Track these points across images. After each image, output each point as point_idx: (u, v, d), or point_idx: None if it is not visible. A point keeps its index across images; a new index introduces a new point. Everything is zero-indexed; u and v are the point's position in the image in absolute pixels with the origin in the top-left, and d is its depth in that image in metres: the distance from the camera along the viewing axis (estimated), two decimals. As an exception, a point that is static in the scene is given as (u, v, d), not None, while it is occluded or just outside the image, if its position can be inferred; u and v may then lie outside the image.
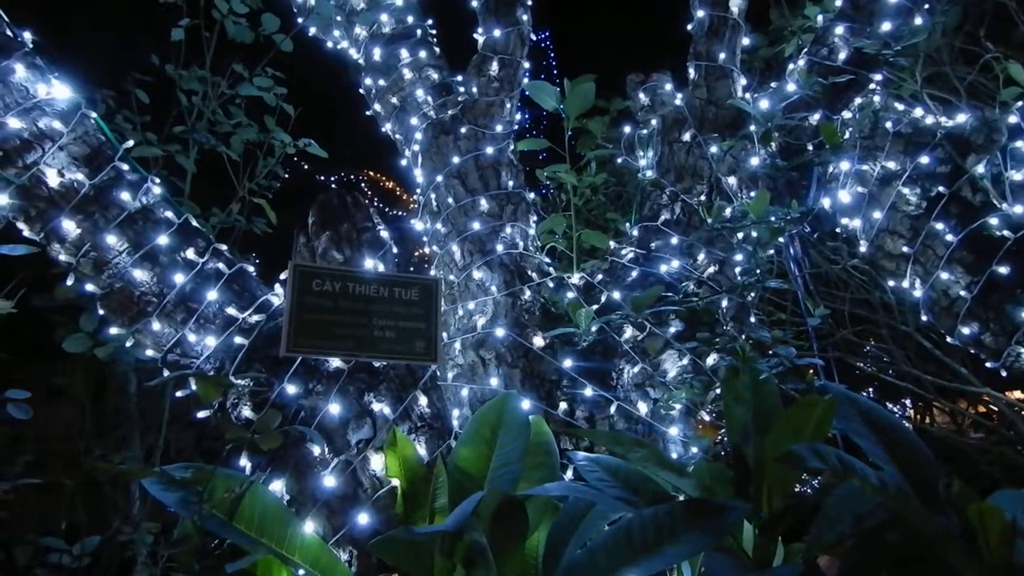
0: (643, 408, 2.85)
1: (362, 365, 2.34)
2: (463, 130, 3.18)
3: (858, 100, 2.99)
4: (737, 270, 3.04)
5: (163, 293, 2.31)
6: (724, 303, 3.01)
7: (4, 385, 2.18)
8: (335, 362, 2.34)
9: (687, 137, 3.18)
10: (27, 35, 2.37)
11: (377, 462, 2.20)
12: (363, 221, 2.48)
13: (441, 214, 3.21)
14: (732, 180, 3.09)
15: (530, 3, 3.28)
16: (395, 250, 2.67)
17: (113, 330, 2.34)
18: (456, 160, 3.17)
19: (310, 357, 2.29)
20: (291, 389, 2.26)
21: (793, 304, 3.38)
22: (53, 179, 2.25)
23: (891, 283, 3.04)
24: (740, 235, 3.01)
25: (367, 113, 3.93)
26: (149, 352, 2.35)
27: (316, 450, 2.20)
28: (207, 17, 3.03)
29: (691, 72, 3.15)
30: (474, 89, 3.21)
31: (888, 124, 2.95)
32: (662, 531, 1.87)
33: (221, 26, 3.08)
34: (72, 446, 2.82)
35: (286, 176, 3.83)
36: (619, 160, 3.59)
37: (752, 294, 3.09)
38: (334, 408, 2.23)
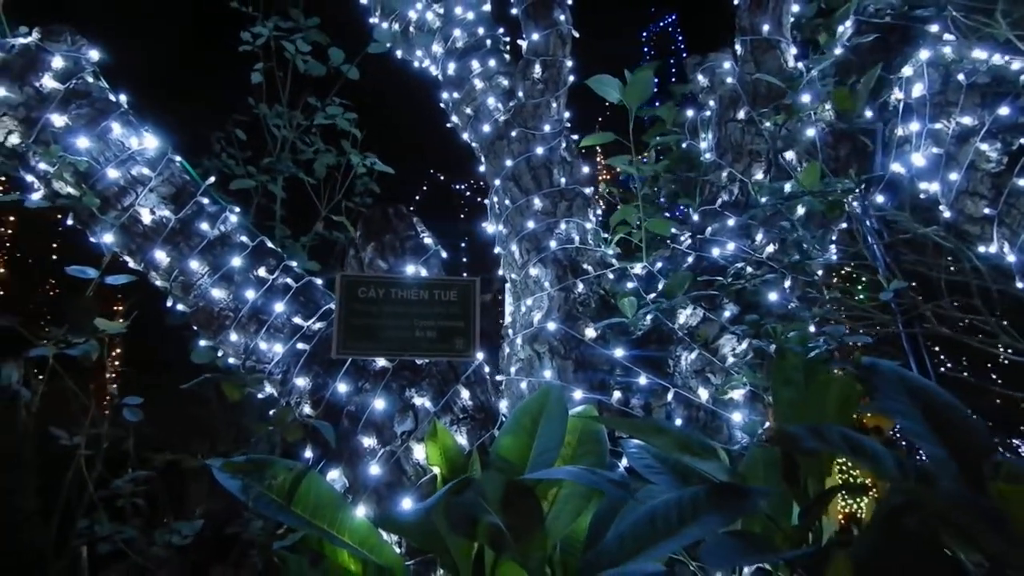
0: (704, 395, 2.85)
1: (406, 363, 2.56)
2: (513, 133, 3.32)
3: (924, 53, 2.79)
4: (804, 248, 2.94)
5: (238, 308, 2.66)
6: (787, 283, 2.93)
7: (125, 392, 2.64)
8: (381, 361, 2.57)
9: (742, 115, 3.12)
10: (123, 97, 2.83)
11: (420, 452, 2.40)
12: (406, 231, 2.70)
13: (501, 216, 3.38)
14: (790, 155, 2.99)
15: (570, 2, 3.36)
16: (444, 255, 2.87)
17: (202, 342, 2.73)
18: (509, 163, 3.31)
19: (358, 358, 2.54)
20: (342, 388, 2.52)
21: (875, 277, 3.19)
22: (146, 217, 2.68)
23: (981, 249, 2.81)
24: (801, 211, 2.92)
25: (447, 125, 4.18)
26: (231, 360, 2.71)
27: (367, 442, 2.45)
28: (279, 58, 3.42)
29: (738, 47, 3.09)
30: (520, 93, 3.34)
31: (961, 76, 2.73)
32: (684, 515, 1.93)
33: (294, 64, 3.45)
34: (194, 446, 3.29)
35: (378, 192, 4.19)
36: (684, 145, 3.56)
37: (818, 272, 2.98)
38: (379, 403, 2.47)
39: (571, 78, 3.35)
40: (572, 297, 3.04)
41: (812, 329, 2.96)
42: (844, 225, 3.08)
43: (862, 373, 2.22)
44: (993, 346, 3.15)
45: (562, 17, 3.30)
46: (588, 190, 3.35)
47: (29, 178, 2.67)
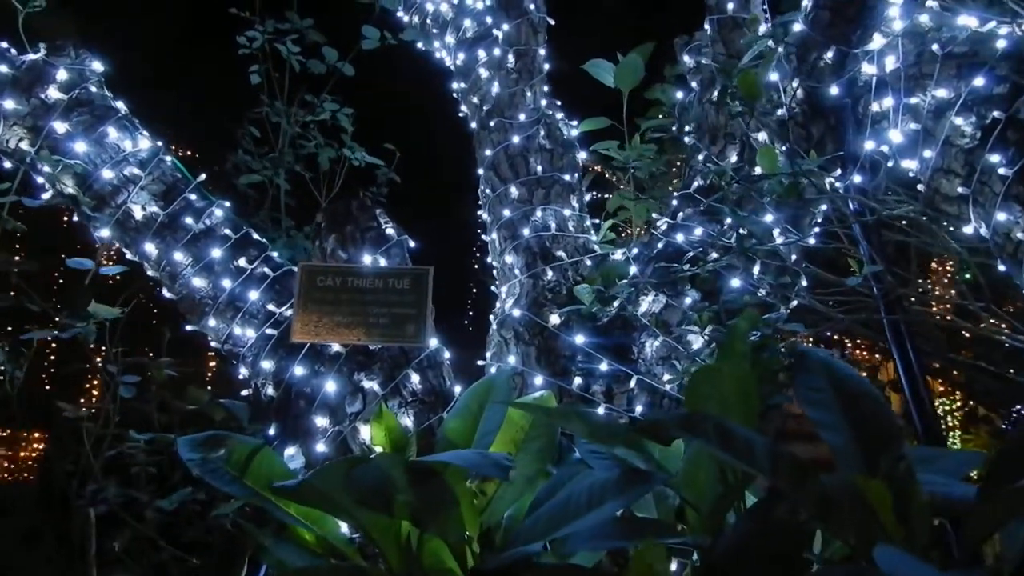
0: (669, 384, 2.86)
1: (359, 348, 2.72)
2: (492, 123, 3.40)
3: (898, 24, 2.66)
4: (775, 232, 2.88)
5: (216, 296, 2.91)
6: (756, 268, 2.89)
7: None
8: (335, 346, 2.74)
9: (716, 96, 3.06)
10: (120, 104, 3.12)
11: (367, 432, 2.56)
12: (367, 222, 2.85)
13: (485, 205, 3.48)
14: (762, 136, 2.93)
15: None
16: (412, 244, 3.00)
17: (188, 327, 3.00)
18: (489, 153, 3.40)
19: (315, 343, 2.72)
20: (299, 371, 2.72)
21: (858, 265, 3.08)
22: (138, 213, 2.96)
23: (965, 229, 2.66)
24: (772, 196, 2.85)
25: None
26: (213, 344, 2.97)
27: (320, 422, 2.63)
28: (277, 58, 3.65)
29: (707, 27, 3.04)
30: (496, 83, 3.41)
31: (935, 47, 2.59)
32: (592, 499, 2.00)
33: (290, 63, 3.67)
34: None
35: (398, 181, 4.39)
36: (674, 128, 3.53)
37: (792, 256, 2.91)
38: (331, 386, 2.64)
39: (546, 66, 3.39)
40: (541, 284, 3.11)
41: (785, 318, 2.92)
42: (824, 207, 2.99)
43: (792, 362, 2.20)
44: (990, 330, 2.99)
45: (532, 6, 3.35)
46: (568, 177, 3.39)
47: (40, 180, 3.00)
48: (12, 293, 2.84)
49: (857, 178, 2.81)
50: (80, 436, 3.00)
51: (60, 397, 2.99)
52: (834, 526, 1.72)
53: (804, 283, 2.94)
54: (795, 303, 2.97)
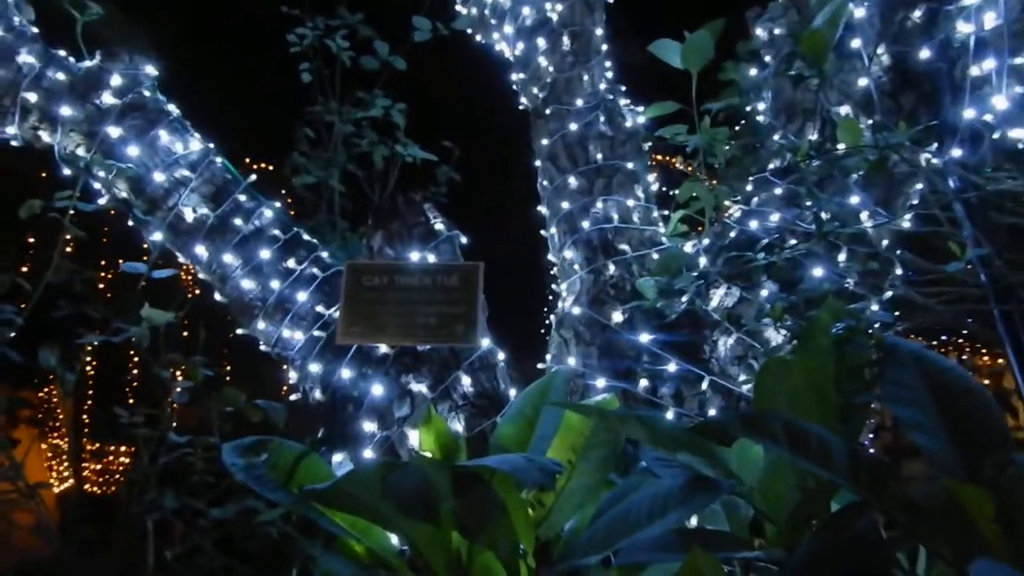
0: (746, 385, 2.72)
1: (407, 349, 2.71)
2: (548, 111, 3.34)
3: (1002, -25, 2.44)
4: (863, 215, 2.70)
5: (265, 298, 2.94)
6: (841, 255, 2.70)
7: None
8: (383, 348, 2.73)
9: (794, 70, 2.90)
10: (172, 107, 3.21)
11: (415, 438, 2.52)
12: (414, 218, 2.84)
13: (544, 198, 3.42)
14: (844, 109, 2.75)
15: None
16: (464, 239, 2.97)
17: (239, 330, 3.05)
18: (545, 142, 3.35)
19: (363, 345, 2.71)
20: (346, 373, 2.71)
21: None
22: (189, 215, 3.04)
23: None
24: (856, 175, 2.67)
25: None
26: (263, 348, 3.00)
27: (368, 426, 2.62)
28: (328, 55, 3.69)
29: (778, -7, 2.89)
30: (551, 69, 3.34)
31: (1044, -3, 2.36)
32: (655, 509, 1.91)
33: (341, 60, 3.71)
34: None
35: (457, 179, 4.38)
36: (748, 108, 3.38)
37: (883, 241, 2.71)
38: (377, 389, 2.63)
39: (604, 47, 3.31)
40: (603, 280, 3.02)
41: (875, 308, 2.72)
42: (919, 186, 2.78)
43: (879, 355, 2.05)
44: None
45: (587, -17, 3.28)
46: (632, 165, 3.30)
47: (96, 185, 3.13)
48: (77, 299, 2.96)
49: (957, 151, 2.59)
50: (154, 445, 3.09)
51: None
52: (926, 538, 1.57)
53: (898, 271, 2.74)
54: (889, 294, 2.77)
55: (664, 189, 4.05)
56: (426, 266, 2.71)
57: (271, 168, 5.62)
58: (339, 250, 3.34)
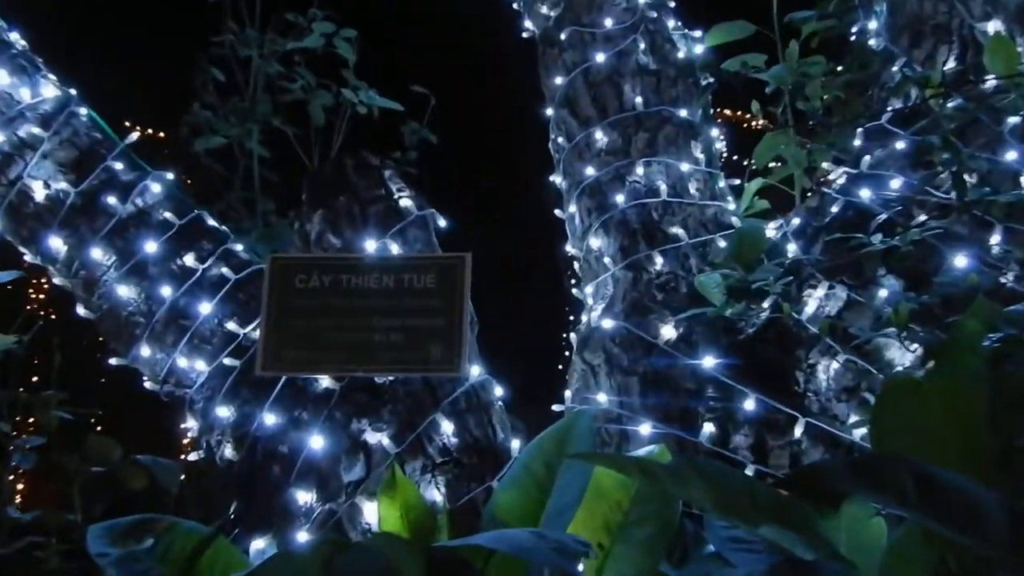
0: (857, 429, 2.67)
1: (360, 383, 2.64)
2: (564, 36, 3.35)
3: None
4: (1024, 179, 2.67)
5: (151, 312, 2.88)
6: (995, 237, 2.66)
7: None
8: (325, 381, 2.66)
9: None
10: (15, 36, 3.16)
11: (373, 512, 2.45)
12: (370, 190, 2.78)
13: (559, 162, 3.39)
14: (993, 26, 2.73)
15: None
16: (441, 222, 2.92)
17: (113, 360, 2.98)
18: (560, 81, 3.33)
19: (296, 377, 2.65)
20: (270, 419, 2.65)
21: None
22: (39, 192, 2.98)
23: None
24: (1015, 118, 2.64)
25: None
26: (148, 384, 2.94)
27: (303, 497, 2.55)
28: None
29: None
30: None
31: None
32: None
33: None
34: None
35: (432, 141, 4.36)
36: (854, 28, 3.36)
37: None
38: (317, 442, 2.56)
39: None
40: (646, 278, 2.99)
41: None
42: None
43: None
44: None
45: None
46: (687, 112, 3.29)
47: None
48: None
49: None
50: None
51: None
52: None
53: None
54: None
55: (733, 148, 4.03)
56: (388, 260, 2.65)
57: (162, 134, 5.59)
58: (260, 241, 3.29)
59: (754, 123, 5.07)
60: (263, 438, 2.67)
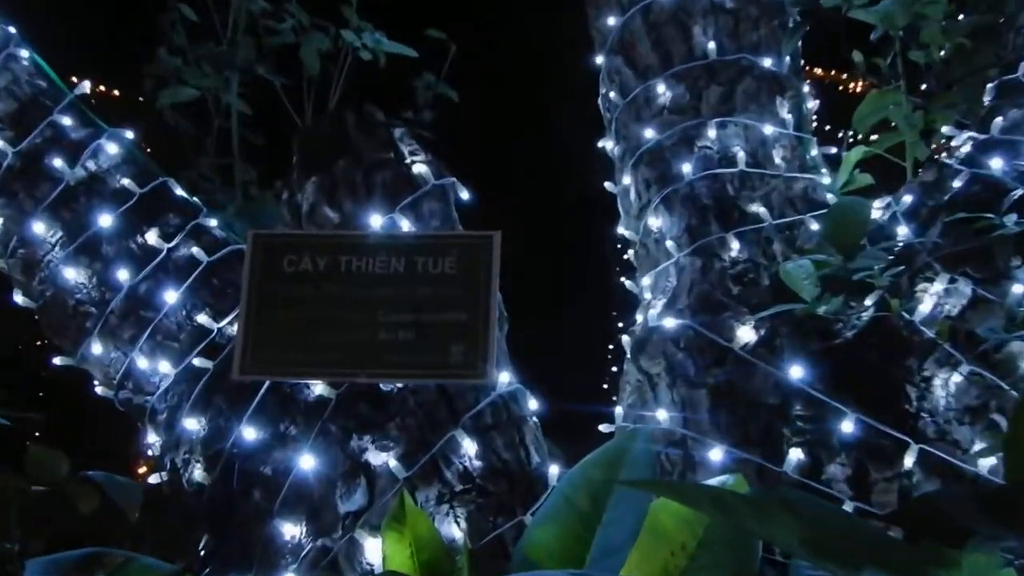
0: (985, 459, 2.65)
1: (362, 390, 2.64)
2: (617, -37, 3.36)
3: None
4: None
5: (105, 300, 2.89)
6: None
7: None
8: (318, 387, 2.66)
9: None
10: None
11: (375, 548, 2.45)
12: (375, 153, 2.77)
13: (611, 124, 3.42)
14: None
15: None
16: (463, 194, 2.92)
17: (57, 360, 2.99)
18: (612, 21, 3.36)
19: (282, 382, 2.65)
20: (250, 435, 2.65)
21: None
22: (-33, 155, 3.00)
23: None
24: None
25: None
26: (99, 389, 2.95)
27: (290, 531, 2.55)
28: None
29: None
30: None
31: None
32: None
33: None
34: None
35: (453, 98, 4.38)
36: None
37: None
38: (308, 462, 2.55)
39: None
40: (718, 267, 2.99)
41: None
42: None
43: None
44: None
45: None
46: (771, 62, 3.29)
47: None
48: None
49: None
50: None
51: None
52: None
53: None
54: None
55: (828, 114, 4.02)
56: (398, 239, 2.65)
57: (118, 89, 5.62)
58: (239, 216, 3.30)
59: (854, 86, 5.08)
60: (241, 457, 2.67)
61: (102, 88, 5.69)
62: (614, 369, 3.39)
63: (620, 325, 3.34)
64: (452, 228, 2.85)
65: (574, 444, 2.89)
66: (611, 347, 3.31)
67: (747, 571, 2.17)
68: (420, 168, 2.84)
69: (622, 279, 3.45)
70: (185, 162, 3.74)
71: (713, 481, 2.44)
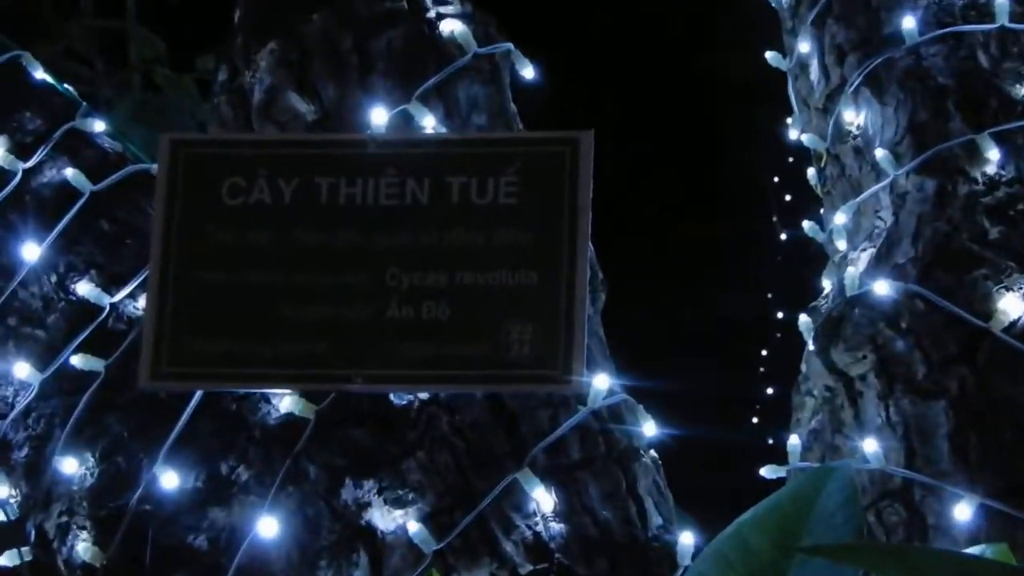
0: None
1: (359, 406, 2.70)
2: None
3: None
4: None
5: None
6: None
7: None
8: (285, 401, 2.72)
9: None
10: None
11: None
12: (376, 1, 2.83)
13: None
14: None
15: None
16: (527, 72, 2.96)
17: None
18: None
19: (225, 392, 2.71)
20: (170, 482, 2.70)
21: None
22: None
23: None
24: None
25: None
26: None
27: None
28: None
29: None
30: None
31: None
32: None
33: None
34: None
35: None
36: None
37: None
38: (269, 527, 2.59)
39: None
40: (964, 192, 3.05)
41: None
42: None
43: None
44: None
45: None
46: None
47: None
48: None
49: None
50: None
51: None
52: None
53: None
54: None
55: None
56: (420, 145, 2.69)
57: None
58: (138, 114, 3.36)
59: None
60: (156, 520, 2.73)
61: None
62: (779, 369, 3.44)
63: (787, 297, 3.39)
64: (509, 128, 2.88)
65: (717, 496, 2.94)
66: (773, 333, 3.34)
67: None
68: (453, 25, 2.89)
69: (792, 223, 3.49)
70: (46, 28, 3.79)
71: (975, 551, 2.49)
